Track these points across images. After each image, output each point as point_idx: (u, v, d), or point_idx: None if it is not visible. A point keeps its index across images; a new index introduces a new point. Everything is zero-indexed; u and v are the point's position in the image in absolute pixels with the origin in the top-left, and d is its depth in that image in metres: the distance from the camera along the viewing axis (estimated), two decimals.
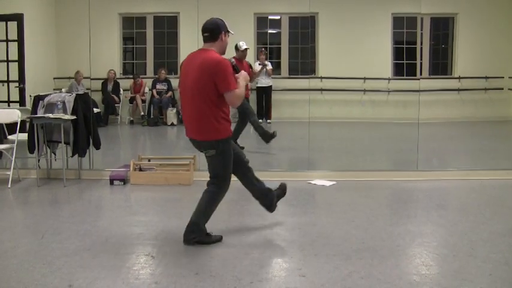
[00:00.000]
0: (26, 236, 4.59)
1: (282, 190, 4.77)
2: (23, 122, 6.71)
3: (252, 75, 8.95)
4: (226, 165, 4.23)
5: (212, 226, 4.55)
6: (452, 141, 10.24)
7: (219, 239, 4.28)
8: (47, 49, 11.58)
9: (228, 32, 4.22)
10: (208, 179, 4.32)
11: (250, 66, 8.68)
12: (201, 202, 4.28)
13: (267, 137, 8.28)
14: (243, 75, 4.23)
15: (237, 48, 8.17)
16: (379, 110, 12.48)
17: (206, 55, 4.08)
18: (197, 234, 4.20)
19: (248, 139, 8.60)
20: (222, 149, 4.15)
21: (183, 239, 4.21)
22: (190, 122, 4.18)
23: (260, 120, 11.84)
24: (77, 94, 6.74)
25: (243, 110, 8.06)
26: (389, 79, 12.56)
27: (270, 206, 4.62)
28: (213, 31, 4.14)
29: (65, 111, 6.47)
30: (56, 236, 4.46)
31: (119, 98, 12.24)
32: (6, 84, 9.42)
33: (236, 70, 4.20)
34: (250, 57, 10.36)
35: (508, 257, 3.96)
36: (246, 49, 8.26)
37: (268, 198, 4.59)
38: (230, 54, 7.94)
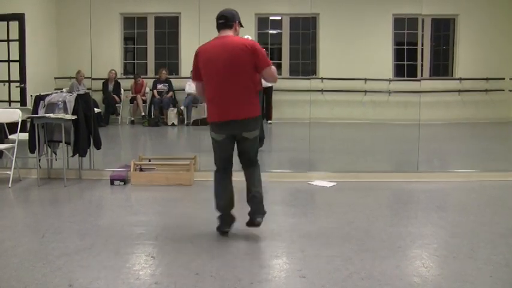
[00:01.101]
0: (26, 235, 4.59)
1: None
2: (23, 121, 6.71)
3: None
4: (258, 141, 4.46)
5: (211, 226, 4.56)
6: (452, 143, 10.24)
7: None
8: (48, 49, 11.58)
9: (241, 23, 4.38)
10: (246, 160, 4.41)
11: None
12: (256, 177, 4.43)
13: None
14: None
15: None
16: (380, 111, 12.48)
17: (234, 39, 4.24)
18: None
19: None
20: (260, 126, 4.36)
21: (261, 216, 4.38)
22: (231, 103, 4.18)
23: None
24: (77, 94, 6.74)
25: None
26: (390, 80, 12.56)
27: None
28: (228, 19, 4.27)
29: (65, 111, 6.47)
30: (57, 235, 4.46)
31: (120, 98, 12.24)
32: (7, 83, 9.42)
33: None
34: None
35: (509, 259, 3.96)
36: None
37: None
38: None
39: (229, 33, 4.28)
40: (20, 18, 9.32)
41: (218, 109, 4.24)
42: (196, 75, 4.35)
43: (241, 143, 4.35)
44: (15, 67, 9.36)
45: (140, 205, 5.76)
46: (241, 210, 4.83)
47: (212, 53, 4.21)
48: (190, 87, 11.92)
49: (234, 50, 4.15)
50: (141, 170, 6.61)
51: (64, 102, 6.50)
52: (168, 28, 12.89)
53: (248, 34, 12.74)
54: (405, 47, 12.84)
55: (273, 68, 4.27)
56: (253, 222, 4.41)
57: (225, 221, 4.43)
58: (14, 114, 6.63)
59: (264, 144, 8.14)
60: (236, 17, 4.34)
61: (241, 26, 4.42)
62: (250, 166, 4.45)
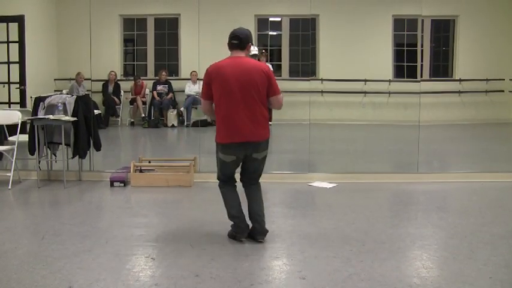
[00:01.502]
0: (26, 237, 4.59)
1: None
2: (23, 123, 6.71)
3: None
4: None
5: (212, 228, 4.56)
6: (452, 144, 10.24)
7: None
8: (47, 50, 11.59)
9: (252, 44, 4.43)
10: (249, 179, 4.44)
11: None
12: (258, 196, 4.45)
13: None
14: None
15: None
16: (380, 112, 12.48)
17: (251, 61, 4.30)
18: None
19: None
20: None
21: (263, 235, 4.34)
22: (248, 124, 4.18)
23: None
24: (77, 96, 6.75)
25: None
26: (390, 81, 12.56)
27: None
28: (242, 40, 4.27)
29: (65, 113, 6.47)
30: (56, 237, 4.46)
31: (120, 100, 12.24)
32: (7, 85, 9.42)
33: None
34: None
35: (509, 260, 3.96)
36: (254, 54, 8.17)
37: None
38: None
39: (241, 54, 4.28)
40: (19, 19, 9.32)
41: (231, 130, 4.19)
42: (207, 94, 4.28)
43: (249, 163, 4.33)
44: (15, 69, 9.36)
45: (140, 207, 5.75)
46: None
47: (228, 72, 4.17)
48: (190, 88, 11.93)
49: (252, 73, 4.17)
50: (141, 171, 6.60)
51: (64, 104, 6.50)
52: (168, 29, 12.89)
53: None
54: (405, 48, 12.84)
55: (281, 96, 4.34)
56: (254, 239, 4.37)
57: (240, 229, 4.36)
58: (14, 116, 6.63)
59: None
60: (250, 39, 4.34)
61: (252, 45, 4.49)
62: (253, 184, 4.45)
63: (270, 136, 4.35)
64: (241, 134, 4.18)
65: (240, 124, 4.17)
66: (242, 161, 4.33)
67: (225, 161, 4.30)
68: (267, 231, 4.38)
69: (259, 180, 4.49)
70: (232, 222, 4.40)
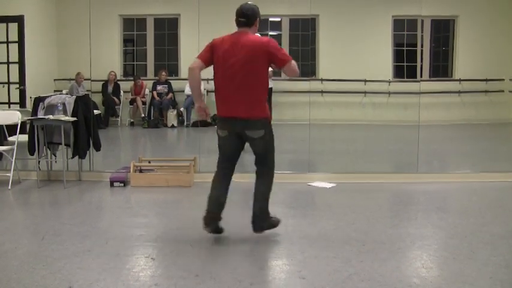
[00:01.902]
0: (26, 237, 4.59)
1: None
2: (23, 123, 6.71)
3: None
4: (273, 146, 4.34)
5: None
6: (452, 144, 10.24)
7: (279, 221, 4.46)
8: (47, 51, 11.58)
9: (261, 19, 4.32)
10: (256, 165, 4.36)
11: None
12: (261, 189, 4.33)
13: None
14: None
15: None
16: (380, 112, 12.48)
17: (252, 37, 4.19)
18: (268, 219, 4.35)
19: None
20: (269, 129, 4.27)
21: (257, 228, 4.28)
22: (238, 101, 4.14)
23: None
24: (77, 96, 6.74)
25: None
26: (389, 81, 12.56)
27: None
28: (250, 17, 4.22)
29: (65, 113, 6.46)
30: (56, 237, 4.46)
31: (119, 100, 12.25)
32: (6, 85, 9.42)
33: None
34: None
35: (509, 260, 3.95)
36: None
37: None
38: None
39: (248, 31, 4.23)
40: (19, 20, 9.32)
41: (225, 104, 4.22)
42: (204, 56, 4.22)
43: (250, 144, 4.32)
44: (14, 69, 9.37)
45: (140, 207, 5.75)
46: (240, 211, 4.84)
47: (229, 48, 4.15)
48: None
49: (253, 49, 4.12)
50: (140, 171, 6.60)
51: (64, 104, 6.50)
52: (168, 30, 12.89)
53: None
54: (405, 48, 12.84)
55: (293, 62, 4.18)
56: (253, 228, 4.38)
57: (206, 219, 4.27)
58: (14, 116, 6.63)
59: None
60: (258, 14, 4.28)
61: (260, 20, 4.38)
62: (259, 170, 4.38)
63: (269, 117, 4.26)
64: (231, 110, 4.18)
65: (232, 100, 4.17)
66: (249, 144, 4.31)
67: (220, 136, 4.32)
68: (260, 231, 4.34)
69: (266, 170, 4.36)
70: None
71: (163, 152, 9.29)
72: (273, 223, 4.42)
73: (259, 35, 4.34)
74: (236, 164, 4.45)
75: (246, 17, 4.21)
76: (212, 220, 4.29)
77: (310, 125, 7.55)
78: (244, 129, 4.21)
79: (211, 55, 4.21)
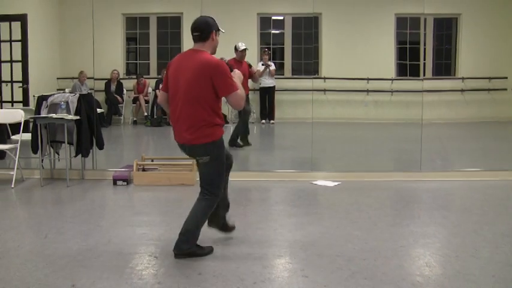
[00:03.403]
0: (29, 235, 4.60)
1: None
2: (26, 122, 6.71)
3: (253, 75, 8.95)
4: (221, 171, 3.99)
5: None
6: (455, 142, 10.23)
7: (210, 251, 4.04)
8: (50, 49, 11.60)
9: (219, 30, 4.00)
10: (200, 187, 4.02)
11: (250, 66, 8.69)
12: (196, 210, 3.98)
13: (244, 142, 8.26)
14: (236, 75, 4.01)
15: (236, 49, 8.23)
16: (382, 111, 12.48)
17: (201, 57, 3.84)
18: (191, 245, 3.95)
19: (251, 139, 8.60)
20: (217, 154, 3.91)
21: (175, 250, 3.95)
22: (182, 126, 3.88)
23: (263, 121, 11.90)
24: (80, 94, 6.75)
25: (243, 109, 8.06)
26: (392, 79, 12.56)
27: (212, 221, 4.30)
28: (203, 31, 3.90)
29: (68, 112, 6.48)
30: (59, 235, 4.47)
31: (122, 98, 12.26)
32: (9, 84, 9.44)
33: (230, 69, 3.99)
34: (253, 58, 10.37)
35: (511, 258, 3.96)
36: (244, 49, 8.29)
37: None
38: (230, 54, 7.98)
39: (204, 46, 3.92)
40: (22, 18, 9.34)
41: (174, 128, 3.99)
42: (163, 84, 4.09)
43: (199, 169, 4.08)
44: (17, 68, 9.39)
45: (143, 205, 5.76)
46: (238, 210, 4.84)
47: (180, 68, 3.91)
48: None
49: (198, 72, 3.79)
50: (143, 170, 6.61)
51: (67, 103, 6.52)
52: (171, 28, 12.90)
53: (250, 34, 12.75)
54: (407, 46, 12.84)
55: (239, 92, 3.83)
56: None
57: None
58: (17, 115, 6.64)
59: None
60: (213, 27, 3.93)
61: (220, 31, 4.02)
62: (202, 192, 4.02)
63: (218, 140, 3.90)
64: (177, 134, 3.97)
65: (177, 124, 3.93)
66: None
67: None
68: (176, 251, 3.96)
69: (208, 196, 3.97)
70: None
71: (166, 151, 9.29)
72: (196, 252, 3.97)
73: (212, 56, 3.94)
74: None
75: (200, 31, 3.90)
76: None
77: (313, 124, 7.55)
78: (193, 155, 4.01)
79: (167, 79, 4.04)
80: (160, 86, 12.41)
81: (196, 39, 3.94)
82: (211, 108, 3.84)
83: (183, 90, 3.84)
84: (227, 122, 9.51)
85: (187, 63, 3.88)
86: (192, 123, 3.84)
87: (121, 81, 12.36)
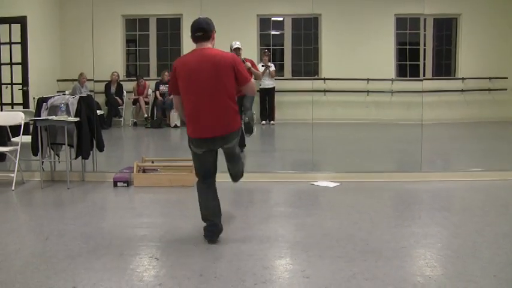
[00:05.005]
0: (30, 238, 4.60)
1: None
2: (26, 124, 6.72)
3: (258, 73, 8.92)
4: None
5: None
6: (456, 142, 10.23)
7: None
8: (50, 51, 11.61)
9: (215, 31, 4.25)
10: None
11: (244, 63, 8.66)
12: (234, 160, 4.49)
13: (249, 129, 8.18)
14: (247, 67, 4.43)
15: (230, 47, 8.22)
16: (383, 111, 12.48)
17: (213, 52, 4.13)
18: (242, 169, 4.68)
19: (251, 139, 8.60)
20: (239, 136, 4.37)
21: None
22: (213, 120, 4.09)
23: (263, 122, 11.90)
24: (80, 96, 6.75)
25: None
26: (392, 80, 12.56)
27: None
28: (206, 31, 4.14)
29: (68, 114, 6.47)
30: (60, 237, 4.47)
31: (122, 100, 12.26)
32: (9, 86, 9.43)
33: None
34: (253, 59, 10.35)
35: None
36: (237, 48, 8.22)
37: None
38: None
39: (208, 45, 4.17)
40: (22, 21, 9.35)
41: (200, 125, 4.14)
42: (174, 89, 4.24)
43: (224, 151, 4.39)
44: (17, 70, 9.39)
45: (143, 207, 5.76)
46: (239, 211, 4.84)
47: (193, 66, 4.09)
48: None
49: (218, 66, 4.06)
50: (144, 171, 6.61)
51: (67, 105, 6.51)
52: (170, 30, 12.91)
53: (250, 35, 12.77)
54: (407, 46, 12.84)
55: (253, 81, 4.29)
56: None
57: (209, 232, 4.31)
58: (17, 117, 6.63)
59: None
60: (212, 26, 4.19)
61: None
62: (232, 161, 4.52)
63: (240, 127, 4.37)
64: (208, 130, 4.13)
65: (206, 120, 4.11)
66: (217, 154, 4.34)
67: (196, 153, 4.31)
68: (236, 176, 4.66)
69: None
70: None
71: (166, 152, 9.29)
72: (243, 163, 4.77)
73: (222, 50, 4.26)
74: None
75: (203, 31, 4.13)
76: (217, 233, 4.36)
77: (313, 124, 7.55)
78: (223, 145, 4.28)
79: (177, 82, 4.18)
80: (161, 87, 12.45)
81: (199, 39, 4.15)
82: (234, 97, 4.19)
83: (208, 86, 4.06)
84: None
85: (203, 60, 4.08)
86: (224, 114, 4.12)
87: (121, 83, 12.36)
